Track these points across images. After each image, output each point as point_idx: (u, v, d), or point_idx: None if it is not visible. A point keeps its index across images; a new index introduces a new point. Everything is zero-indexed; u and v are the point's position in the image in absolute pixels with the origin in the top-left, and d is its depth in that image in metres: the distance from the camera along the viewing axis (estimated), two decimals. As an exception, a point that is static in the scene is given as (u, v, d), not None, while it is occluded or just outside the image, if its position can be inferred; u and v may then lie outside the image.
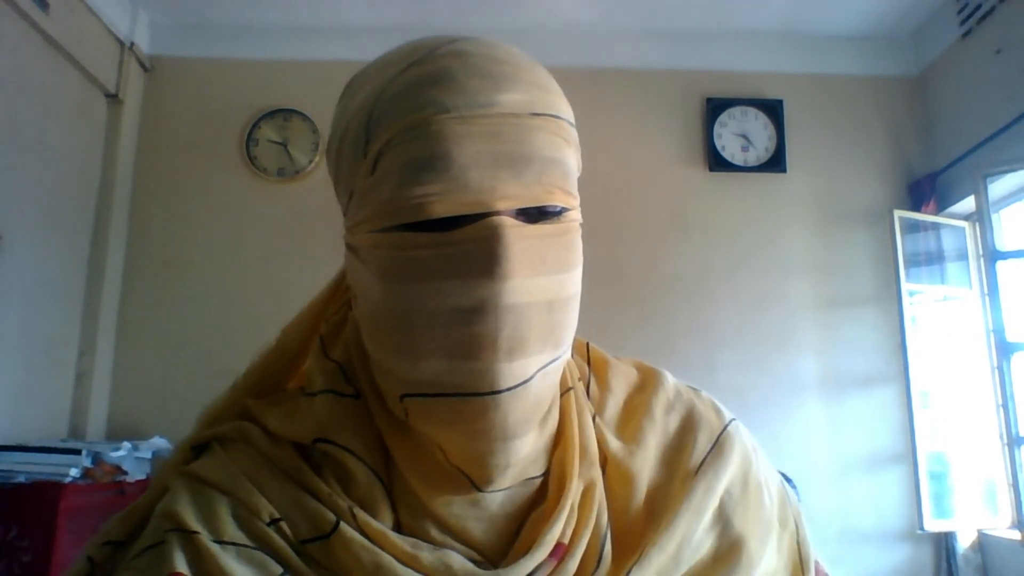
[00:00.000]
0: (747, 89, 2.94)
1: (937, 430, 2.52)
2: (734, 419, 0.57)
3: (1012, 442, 2.42)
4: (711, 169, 2.88)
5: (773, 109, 2.91)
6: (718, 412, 0.56)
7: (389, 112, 0.43)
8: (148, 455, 2.27)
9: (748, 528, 0.50)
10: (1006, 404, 2.45)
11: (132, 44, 2.76)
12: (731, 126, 2.91)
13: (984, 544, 2.55)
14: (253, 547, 0.43)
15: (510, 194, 0.42)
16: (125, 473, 2.13)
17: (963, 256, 2.71)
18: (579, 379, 0.56)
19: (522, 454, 0.46)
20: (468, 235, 0.42)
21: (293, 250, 2.72)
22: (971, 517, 2.49)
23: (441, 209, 0.42)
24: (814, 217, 2.87)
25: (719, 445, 0.53)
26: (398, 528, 0.46)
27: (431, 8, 2.77)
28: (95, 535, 0.48)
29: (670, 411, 0.55)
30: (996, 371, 2.51)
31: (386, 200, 0.43)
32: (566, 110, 0.47)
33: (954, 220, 2.74)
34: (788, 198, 2.88)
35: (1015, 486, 2.37)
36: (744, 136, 2.90)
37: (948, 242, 2.73)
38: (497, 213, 0.42)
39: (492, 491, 0.47)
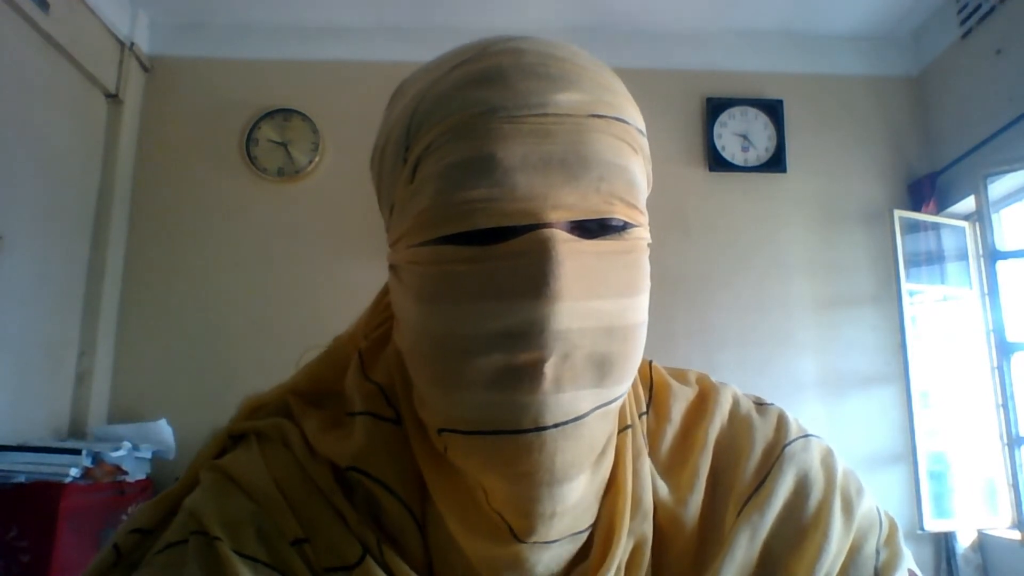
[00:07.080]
0: (747, 89, 2.94)
1: (937, 430, 2.51)
2: (803, 437, 0.49)
3: (1012, 442, 2.41)
4: (711, 169, 2.88)
5: (773, 109, 2.91)
6: (779, 430, 0.49)
7: (432, 114, 0.39)
8: (148, 455, 2.27)
9: (799, 571, 0.44)
10: (1006, 404, 2.45)
11: (132, 44, 2.76)
12: (731, 126, 2.90)
13: (984, 544, 2.55)
14: (271, 567, 0.40)
15: (563, 203, 0.37)
16: (125, 473, 2.13)
17: (963, 256, 2.71)
18: (640, 413, 0.50)
19: (571, 501, 0.40)
20: (513, 249, 0.37)
21: (293, 250, 2.72)
22: (971, 517, 2.49)
23: (484, 219, 0.37)
24: (814, 217, 2.86)
25: (769, 478, 0.46)
26: (428, 569, 0.43)
27: (431, 9, 2.77)
28: (126, 522, 0.46)
29: (721, 441, 0.49)
30: (996, 371, 2.50)
31: (424, 209, 0.39)
32: (634, 115, 0.42)
33: (954, 220, 2.74)
34: (788, 198, 2.87)
35: (1015, 486, 2.37)
36: (744, 136, 2.90)
37: (948, 242, 2.73)
38: (548, 225, 0.37)
39: (533, 542, 0.41)
